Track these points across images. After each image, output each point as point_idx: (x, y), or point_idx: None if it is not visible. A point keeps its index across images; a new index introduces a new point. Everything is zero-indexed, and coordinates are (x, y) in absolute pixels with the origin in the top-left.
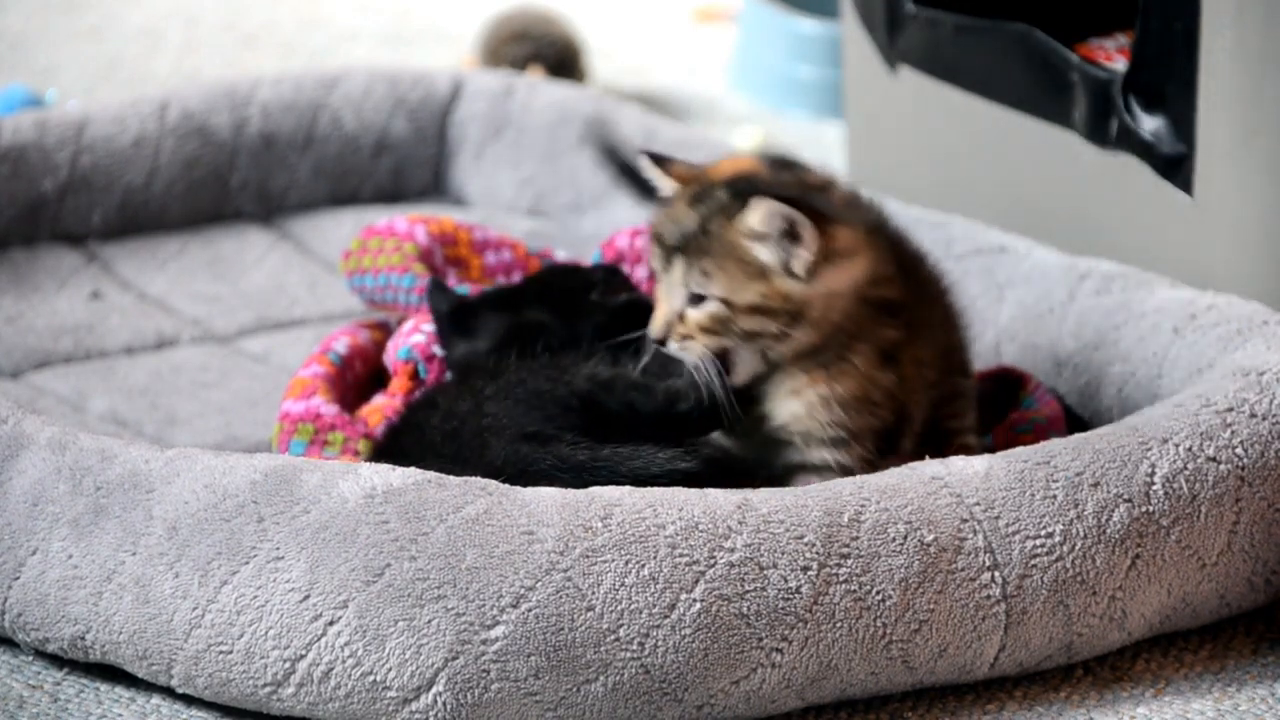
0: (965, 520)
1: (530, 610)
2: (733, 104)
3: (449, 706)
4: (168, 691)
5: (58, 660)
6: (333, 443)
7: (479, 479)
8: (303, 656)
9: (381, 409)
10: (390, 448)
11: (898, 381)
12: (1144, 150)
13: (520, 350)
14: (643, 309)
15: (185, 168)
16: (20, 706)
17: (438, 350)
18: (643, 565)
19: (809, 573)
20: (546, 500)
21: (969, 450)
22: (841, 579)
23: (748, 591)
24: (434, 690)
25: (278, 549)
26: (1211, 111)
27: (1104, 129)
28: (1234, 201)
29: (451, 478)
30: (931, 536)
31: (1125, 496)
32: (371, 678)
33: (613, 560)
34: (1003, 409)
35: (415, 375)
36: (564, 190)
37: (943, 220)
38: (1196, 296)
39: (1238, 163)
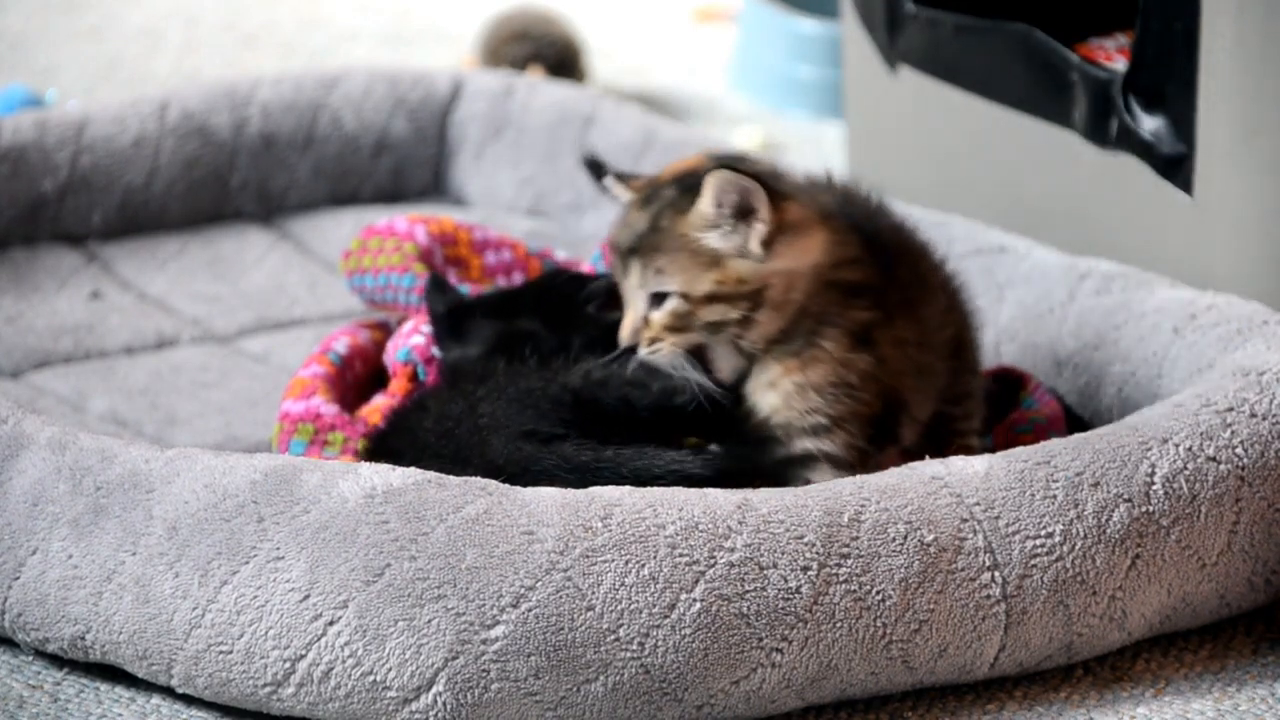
0: (965, 520)
1: (530, 610)
2: (733, 104)
3: (449, 706)
4: (168, 691)
5: (58, 660)
6: (333, 443)
7: (479, 479)
8: (303, 656)
9: (381, 409)
10: (380, 450)
11: (875, 363)
12: (1144, 150)
13: (510, 357)
14: None
15: (185, 168)
16: (20, 706)
17: (437, 352)
18: (643, 565)
19: (809, 573)
20: (546, 500)
21: (970, 450)
22: (841, 579)
23: (748, 591)
24: (434, 690)
25: (278, 549)
26: (1211, 111)
27: (1104, 129)
28: (1234, 201)
29: (451, 478)
30: (931, 536)
31: (1125, 496)
32: (371, 678)
33: (613, 560)
34: (1003, 409)
35: (414, 377)
36: (564, 190)
37: (943, 220)
38: (1196, 296)
39: (1238, 163)
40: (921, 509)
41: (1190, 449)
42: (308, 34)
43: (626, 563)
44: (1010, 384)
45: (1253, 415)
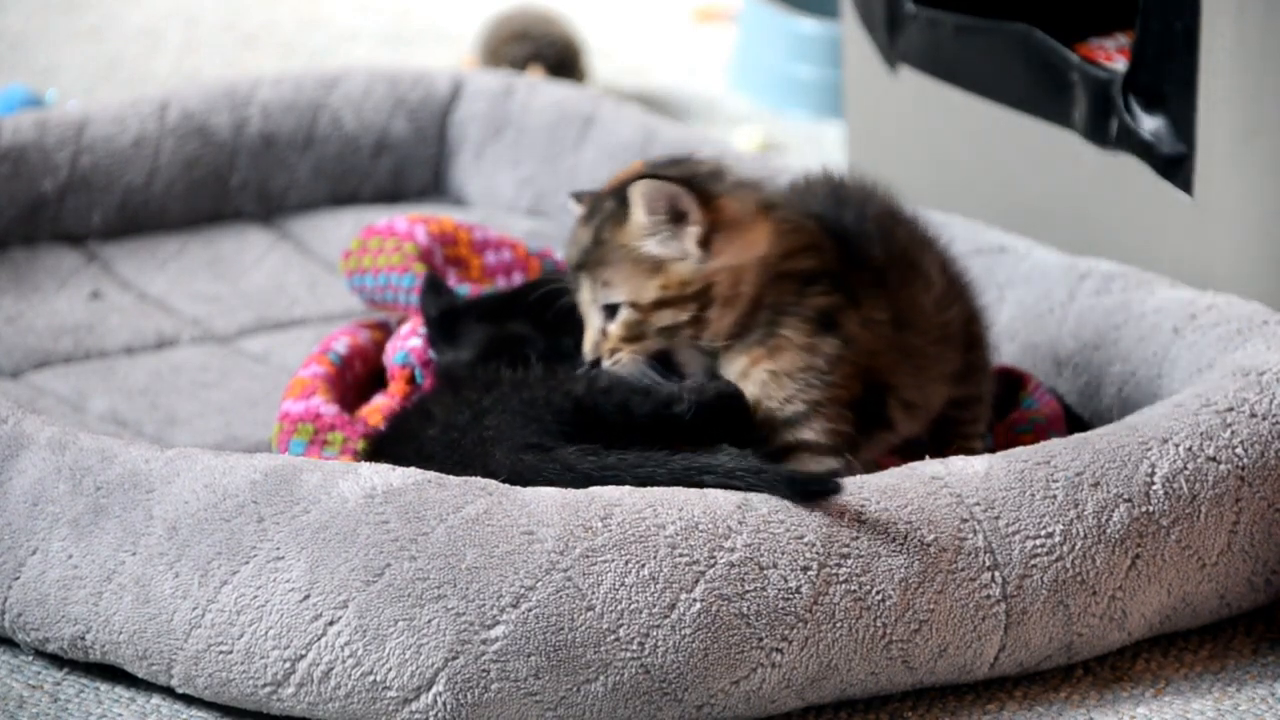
0: (965, 520)
1: (530, 610)
2: (733, 104)
3: (449, 706)
4: (168, 691)
5: (58, 660)
6: (332, 443)
7: (479, 479)
8: (303, 656)
9: (381, 409)
10: (381, 455)
11: (842, 345)
12: (1144, 150)
13: (502, 362)
14: None
15: (185, 168)
16: (20, 706)
17: (434, 355)
18: (643, 565)
19: (809, 573)
20: (546, 500)
21: (972, 451)
22: (841, 579)
23: (748, 591)
24: (434, 690)
25: (278, 549)
26: (1211, 111)
27: (1104, 129)
28: (1234, 201)
29: (451, 478)
30: (931, 536)
31: (1125, 496)
32: (371, 678)
33: (613, 560)
34: (1003, 409)
35: (411, 380)
36: (564, 190)
37: (943, 220)
38: (1196, 296)
39: (1238, 163)
40: (921, 509)
41: (1190, 449)
42: (308, 34)
43: (626, 563)
44: (1010, 384)
45: (1253, 415)
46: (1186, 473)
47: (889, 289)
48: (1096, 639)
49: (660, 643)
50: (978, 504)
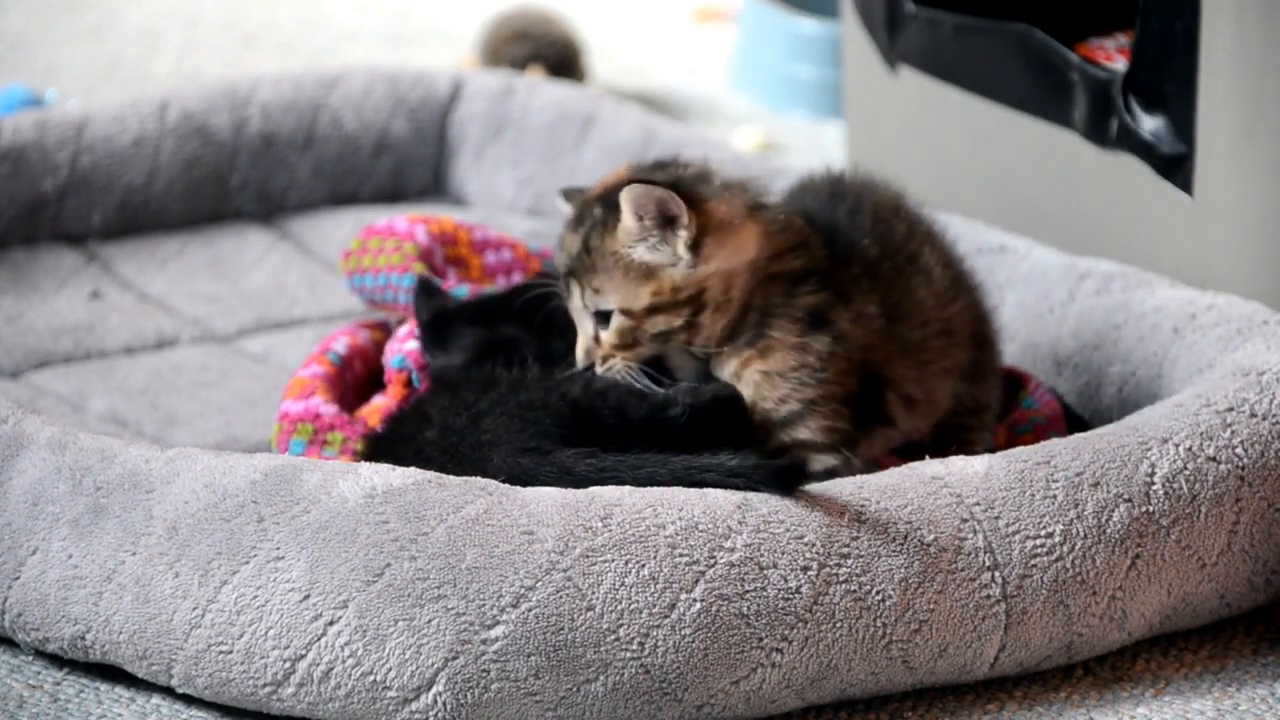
0: (965, 520)
1: (530, 610)
2: (733, 104)
3: (449, 706)
4: (168, 691)
5: (58, 660)
6: (332, 443)
7: (479, 479)
8: (303, 656)
9: (380, 409)
10: (379, 457)
11: (833, 341)
12: (1144, 150)
13: (492, 365)
14: None
15: (185, 168)
16: (20, 706)
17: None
18: (643, 565)
19: (809, 573)
20: (546, 500)
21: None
22: (841, 579)
23: (748, 591)
24: (434, 690)
25: (278, 549)
26: (1211, 111)
27: (1104, 129)
28: (1234, 201)
29: (451, 478)
30: (931, 536)
31: (1125, 496)
32: (371, 678)
33: (613, 560)
34: (1003, 409)
35: (409, 383)
36: None
37: (943, 220)
38: (1196, 296)
39: (1238, 163)
40: (921, 509)
41: (1190, 449)
42: (308, 34)
43: (626, 563)
44: (1010, 384)
45: (1253, 415)
46: (1186, 473)
47: (882, 283)
48: (1096, 639)
49: (660, 643)
50: (978, 504)
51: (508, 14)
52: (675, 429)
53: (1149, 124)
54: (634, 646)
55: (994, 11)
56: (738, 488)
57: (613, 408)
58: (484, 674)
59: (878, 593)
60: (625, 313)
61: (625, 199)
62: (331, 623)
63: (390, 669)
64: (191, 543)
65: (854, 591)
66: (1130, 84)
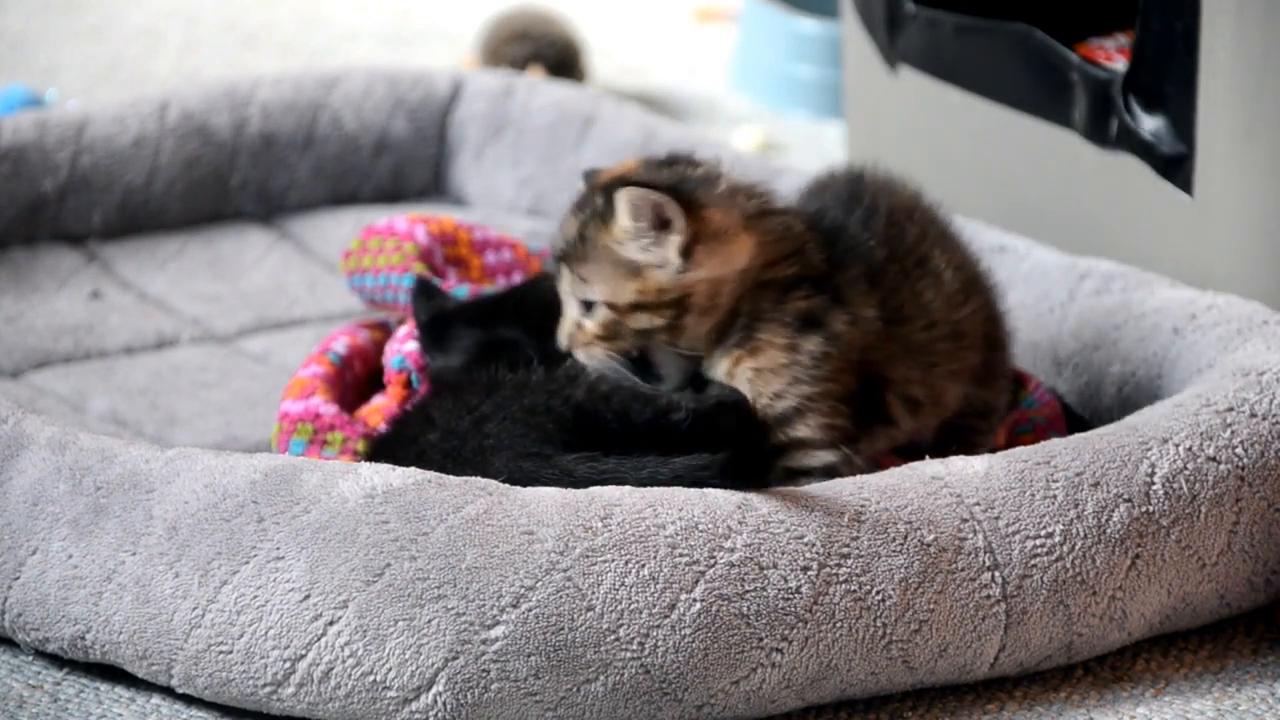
0: (965, 520)
1: (530, 610)
2: (733, 104)
3: (449, 706)
4: (168, 691)
5: (58, 660)
6: (332, 443)
7: (479, 479)
8: (303, 656)
9: (381, 410)
10: (381, 458)
11: (825, 342)
12: (1144, 150)
13: (499, 365)
14: None
15: (185, 168)
16: (20, 706)
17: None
18: (643, 565)
19: (809, 573)
20: (546, 500)
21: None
22: (841, 579)
23: (748, 591)
24: (434, 690)
25: (278, 549)
26: (1211, 111)
27: (1104, 129)
28: (1234, 201)
29: (451, 478)
30: (931, 536)
31: (1125, 496)
32: (371, 678)
33: (613, 560)
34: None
35: (408, 384)
36: (564, 190)
37: None
38: (1196, 296)
39: (1238, 163)
40: (921, 509)
41: (1190, 449)
42: (308, 34)
43: (626, 563)
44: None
45: (1253, 415)
46: (1186, 473)
47: (886, 286)
48: (1096, 639)
49: (660, 643)
50: (978, 504)
51: (508, 14)
52: (679, 434)
53: (1149, 124)
54: (634, 646)
55: (994, 11)
56: (694, 485)
57: (616, 412)
58: (484, 674)
59: (878, 593)
60: (609, 306)
61: (622, 199)
62: (331, 623)
63: (390, 669)
64: (191, 543)
65: (854, 591)
66: (1130, 84)
